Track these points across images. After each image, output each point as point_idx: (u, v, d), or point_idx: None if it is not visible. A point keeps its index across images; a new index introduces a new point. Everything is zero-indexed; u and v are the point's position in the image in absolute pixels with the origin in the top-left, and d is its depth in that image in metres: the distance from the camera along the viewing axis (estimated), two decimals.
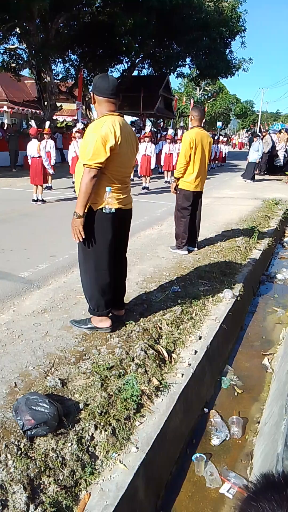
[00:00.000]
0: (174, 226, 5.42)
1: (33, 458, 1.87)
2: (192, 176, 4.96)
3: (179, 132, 14.78)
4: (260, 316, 4.56)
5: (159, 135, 17.10)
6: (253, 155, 13.63)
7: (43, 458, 1.87)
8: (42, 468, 1.83)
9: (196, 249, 5.38)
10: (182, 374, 2.74)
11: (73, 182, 9.19)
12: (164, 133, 16.79)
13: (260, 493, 0.66)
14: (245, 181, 13.85)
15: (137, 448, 2.09)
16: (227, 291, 4.03)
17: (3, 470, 1.78)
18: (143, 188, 11.42)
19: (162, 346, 2.97)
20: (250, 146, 15.02)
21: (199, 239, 5.58)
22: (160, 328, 3.20)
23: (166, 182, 12.88)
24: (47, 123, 10.62)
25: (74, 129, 10.81)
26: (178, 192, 5.16)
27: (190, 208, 5.14)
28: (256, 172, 14.45)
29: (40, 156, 8.52)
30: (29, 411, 1.97)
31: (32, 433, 1.95)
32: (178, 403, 2.51)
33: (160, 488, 2.24)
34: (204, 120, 5.18)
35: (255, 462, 2.42)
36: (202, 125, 5.02)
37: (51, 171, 9.20)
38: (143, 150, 11.18)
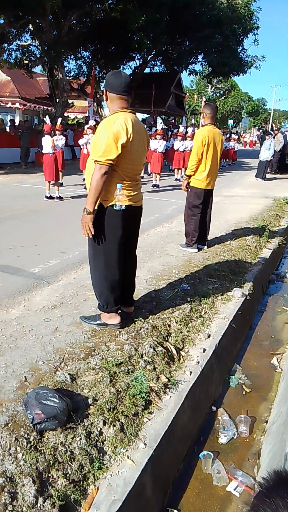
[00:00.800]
0: (184, 224, 5.41)
1: (42, 451, 1.89)
2: (204, 174, 4.94)
3: (189, 129, 14.72)
4: (269, 316, 4.54)
5: (170, 133, 17.06)
6: (264, 153, 13.50)
7: (52, 452, 1.89)
8: (51, 461, 1.85)
9: (206, 247, 5.36)
10: (191, 372, 2.75)
11: (84, 179, 9.24)
12: (175, 130, 16.76)
13: (273, 490, 0.66)
14: (257, 179, 13.75)
15: (145, 444, 2.10)
16: (237, 290, 4.02)
17: (13, 462, 1.81)
18: (154, 185, 11.41)
19: (171, 344, 2.98)
20: (261, 144, 14.89)
21: (209, 237, 5.56)
22: (169, 326, 3.20)
23: (176, 180, 12.84)
24: (59, 120, 10.65)
25: (86, 126, 10.84)
26: (189, 190, 5.15)
27: (201, 206, 5.12)
28: (267, 171, 14.34)
29: (53, 152, 8.59)
30: (39, 405, 1.99)
31: (42, 427, 1.97)
32: (186, 400, 2.51)
33: (167, 484, 2.25)
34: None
35: (263, 461, 2.42)
36: (213, 123, 4.99)
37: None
38: (154, 147, 11.16)
